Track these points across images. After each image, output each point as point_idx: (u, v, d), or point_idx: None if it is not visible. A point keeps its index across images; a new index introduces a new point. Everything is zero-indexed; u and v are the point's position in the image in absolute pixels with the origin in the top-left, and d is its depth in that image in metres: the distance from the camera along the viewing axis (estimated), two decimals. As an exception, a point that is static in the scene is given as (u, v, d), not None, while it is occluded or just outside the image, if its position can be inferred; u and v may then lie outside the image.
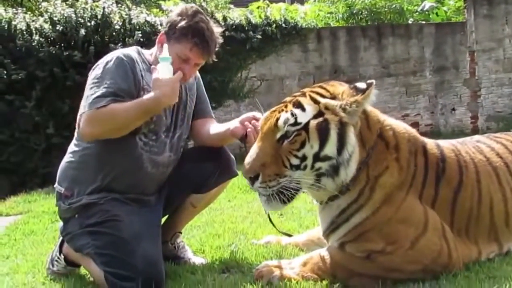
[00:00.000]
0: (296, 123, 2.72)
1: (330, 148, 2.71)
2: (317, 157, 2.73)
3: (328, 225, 2.96)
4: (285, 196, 2.76)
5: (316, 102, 2.78)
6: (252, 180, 2.75)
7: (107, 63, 3.05)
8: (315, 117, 2.73)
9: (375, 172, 2.85)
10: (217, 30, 3.23)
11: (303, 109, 2.76)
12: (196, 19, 3.12)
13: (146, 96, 2.91)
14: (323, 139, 2.71)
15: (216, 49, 3.24)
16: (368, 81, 2.79)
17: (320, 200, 3.00)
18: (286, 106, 2.81)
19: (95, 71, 3.05)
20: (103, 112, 2.87)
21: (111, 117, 2.88)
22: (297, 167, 2.74)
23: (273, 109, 2.88)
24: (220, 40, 3.25)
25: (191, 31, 3.09)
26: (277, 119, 2.76)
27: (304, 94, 2.86)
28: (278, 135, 2.75)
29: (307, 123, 2.72)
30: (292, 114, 2.74)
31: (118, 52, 3.14)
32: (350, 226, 2.85)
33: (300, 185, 2.78)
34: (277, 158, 2.73)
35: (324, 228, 3.02)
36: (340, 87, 2.85)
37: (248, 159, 2.76)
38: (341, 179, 2.78)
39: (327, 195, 2.91)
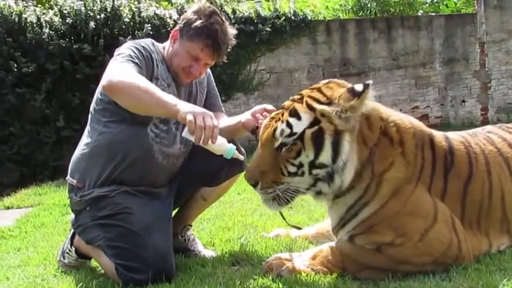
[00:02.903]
0: (291, 134, 2.75)
1: (325, 157, 2.73)
2: (313, 165, 2.76)
3: (337, 222, 2.97)
4: (283, 199, 2.85)
5: (312, 109, 2.77)
6: (253, 186, 2.86)
7: (120, 48, 3.12)
8: (310, 125, 2.74)
9: (381, 168, 2.84)
10: (232, 32, 3.25)
11: (299, 118, 2.77)
12: (211, 20, 3.15)
13: (175, 100, 2.79)
14: (317, 148, 2.73)
15: (228, 50, 3.26)
16: (366, 82, 2.74)
17: (326, 198, 3.00)
18: (283, 115, 2.83)
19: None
20: (130, 73, 2.88)
21: (134, 86, 2.81)
22: (295, 174, 2.78)
23: (272, 115, 2.92)
24: (233, 42, 3.26)
25: (205, 32, 3.11)
26: (274, 130, 2.80)
27: (301, 99, 2.85)
28: (276, 144, 2.79)
29: (303, 133, 2.74)
30: (288, 125, 2.76)
31: (132, 41, 3.21)
32: (358, 220, 2.85)
33: (298, 189, 2.84)
34: (276, 166, 2.79)
35: (333, 225, 3.03)
36: (338, 90, 2.81)
37: (249, 167, 2.89)
38: (336, 185, 2.80)
39: (331, 195, 2.93)
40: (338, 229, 2.98)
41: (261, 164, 2.81)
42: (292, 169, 2.77)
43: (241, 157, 2.95)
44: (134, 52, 3.04)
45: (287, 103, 2.92)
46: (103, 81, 2.90)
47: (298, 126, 2.75)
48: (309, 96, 2.83)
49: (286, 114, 2.82)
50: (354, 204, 2.87)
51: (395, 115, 3.01)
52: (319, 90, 2.86)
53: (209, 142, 2.69)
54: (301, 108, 2.79)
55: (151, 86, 2.82)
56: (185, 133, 2.73)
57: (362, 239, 2.82)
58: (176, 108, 2.69)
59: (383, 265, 2.73)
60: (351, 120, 2.74)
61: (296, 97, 2.92)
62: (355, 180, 2.83)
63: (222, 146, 2.86)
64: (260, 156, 2.83)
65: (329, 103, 2.75)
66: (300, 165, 2.76)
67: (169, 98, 2.78)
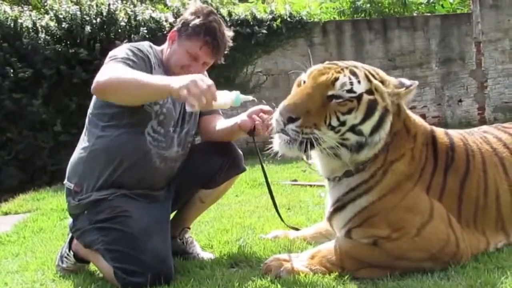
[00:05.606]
0: (351, 91, 2.77)
1: (368, 126, 2.78)
2: (353, 128, 2.78)
3: (334, 203, 2.99)
4: (305, 145, 2.74)
5: (369, 80, 2.84)
6: (289, 120, 2.73)
7: (115, 51, 3.10)
8: (367, 92, 2.80)
9: (392, 157, 2.89)
10: (228, 34, 3.27)
11: (359, 81, 2.81)
12: (209, 19, 3.18)
13: (164, 79, 2.79)
14: (367, 115, 2.77)
15: (226, 51, 3.27)
16: (413, 81, 2.89)
17: (334, 175, 2.99)
18: (342, 70, 2.84)
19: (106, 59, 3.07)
20: (117, 70, 2.87)
21: (120, 79, 2.81)
22: (333, 128, 2.76)
23: (327, 65, 2.92)
24: (230, 43, 3.29)
25: (204, 30, 3.14)
26: (336, 79, 2.79)
27: (356, 67, 2.90)
28: (330, 93, 2.77)
29: (361, 95, 2.78)
30: (350, 82, 2.78)
31: (129, 43, 3.20)
32: (355, 210, 2.87)
33: (323, 142, 2.77)
34: (322, 111, 2.75)
35: (329, 207, 3.04)
36: (387, 76, 2.95)
37: (293, 100, 2.77)
38: (359, 158, 2.84)
39: (342, 170, 2.93)
40: (332, 212, 2.99)
41: (310, 103, 2.74)
42: (335, 122, 2.76)
43: (250, 98, 3.00)
44: (127, 54, 3.03)
45: (339, 63, 2.95)
46: (92, 85, 2.88)
47: (358, 87, 2.79)
48: (364, 67, 2.92)
49: (346, 71, 2.84)
50: (355, 187, 2.90)
51: (409, 111, 3.09)
52: (370, 68, 2.95)
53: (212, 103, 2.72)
54: (360, 74, 2.85)
55: (138, 75, 2.80)
56: (189, 109, 2.71)
57: (358, 232, 2.84)
58: (169, 88, 2.67)
59: (381, 261, 2.74)
60: (394, 106, 2.86)
61: (349, 62, 2.97)
62: (369, 162, 2.87)
63: (226, 100, 2.91)
64: (309, 95, 2.76)
65: (382, 82, 2.86)
66: (343, 123, 2.76)
67: (159, 80, 2.78)
